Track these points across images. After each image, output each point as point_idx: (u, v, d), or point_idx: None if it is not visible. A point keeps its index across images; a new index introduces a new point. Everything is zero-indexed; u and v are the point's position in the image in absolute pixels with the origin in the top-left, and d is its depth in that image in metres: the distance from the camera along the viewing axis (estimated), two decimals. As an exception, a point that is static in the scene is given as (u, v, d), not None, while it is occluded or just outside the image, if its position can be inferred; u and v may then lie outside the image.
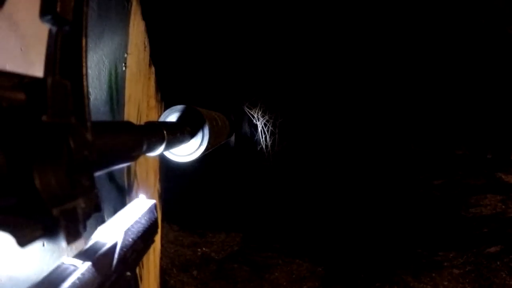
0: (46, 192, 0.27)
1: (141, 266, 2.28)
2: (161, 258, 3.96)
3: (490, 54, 7.01)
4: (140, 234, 0.54)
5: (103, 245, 0.45)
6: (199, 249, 4.65)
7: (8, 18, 0.66)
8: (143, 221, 0.56)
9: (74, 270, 0.39)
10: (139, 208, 0.58)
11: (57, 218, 0.28)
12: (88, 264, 0.40)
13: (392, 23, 6.70)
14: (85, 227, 0.30)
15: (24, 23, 0.70)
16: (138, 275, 2.14)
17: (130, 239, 0.51)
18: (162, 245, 4.23)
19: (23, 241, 0.26)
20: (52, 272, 0.37)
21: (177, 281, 3.91)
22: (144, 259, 2.53)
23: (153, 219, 0.60)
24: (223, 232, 5.13)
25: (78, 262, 0.40)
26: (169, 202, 4.62)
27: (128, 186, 1.84)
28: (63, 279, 0.37)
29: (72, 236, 0.29)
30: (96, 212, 0.31)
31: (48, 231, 0.28)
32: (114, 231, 0.48)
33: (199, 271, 4.13)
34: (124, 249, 0.48)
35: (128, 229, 0.51)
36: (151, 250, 2.97)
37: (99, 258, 0.42)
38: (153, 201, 0.61)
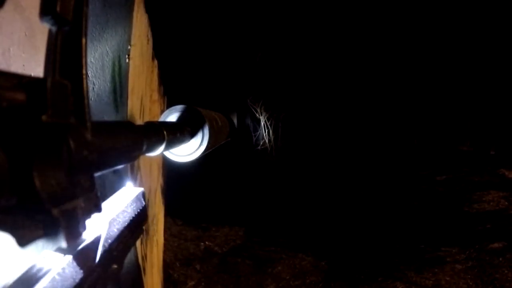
0: (46, 192, 0.27)
1: (144, 259, 2.30)
2: (164, 252, 3.98)
3: (495, 51, 6.93)
4: (126, 224, 0.52)
5: (86, 237, 0.43)
6: (202, 243, 4.67)
7: (15, 2, 0.66)
8: (129, 210, 0.54)
9: (54, 265, 0.37)
10: (125, 197, 0.56)
11: (57, 218, 0.28)
12: (69, 257, 0.38)
13: (396, 18, 6.63)
14: (85, 227, 0.30)
15: (30, 8, 0.70)
16: (142, 268, 2.16)
17: (116, 230, 0.49)
18: (165, 239, 4.26)
19: (23, 241, 0.26)
20: (31, 268, 0.36)
21: (180, 274, 3.93)
22: (148, 252, 2.55)
23: (141, 208, 0.57)
24: (226, 226, 5.15)
25: (58, 256, 0.38)
26: (172, 196, 4.64)
27: (131, 180, 1.85)
28: (42, 275, 0.36)
29: (72, 236, 0.29)
30: (96, 212, 0.31)
31: (48, 231, 0.28)
32: (97, 222, 0.45)
33: (202, 265, 4.15)
34: (109, 241, 0.46)
35: (114, 219, 0.49)
36: (154, 243, 2.99)
37: (81, 251, 0.40)
38: (140, 189, 0.59)
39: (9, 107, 0.26)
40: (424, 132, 8.65)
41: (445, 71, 7.67)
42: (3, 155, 0.25)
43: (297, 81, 8.28)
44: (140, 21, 2.10)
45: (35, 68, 0.75)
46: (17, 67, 0.70)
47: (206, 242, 4.69)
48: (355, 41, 7.38)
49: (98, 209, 0.32)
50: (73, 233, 0.29)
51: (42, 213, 0.27)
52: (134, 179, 1.95)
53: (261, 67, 7.66)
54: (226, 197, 6.23)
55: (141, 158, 2.16)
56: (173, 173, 4.65)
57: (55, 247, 0.28)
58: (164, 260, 3.89)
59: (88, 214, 0.31)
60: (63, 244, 0.28)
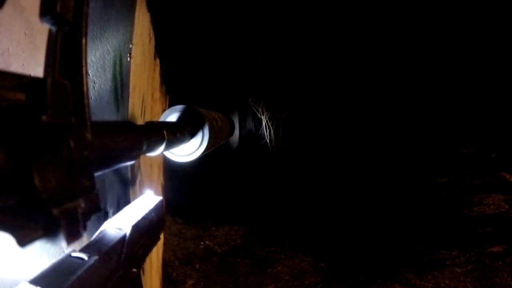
0: (46, 192, 0.27)
1: (143, 258, 2.29)
2: (163, 251, 3.99)
3: (497, 53, 6.92)
4: (147, 230, 0.53)
5: (111, 239, 0.44)
6: (202, 242, 4.67)
7: (14, 2, 0.66)
8: (150, 217, 0.55)
9: (82, 263, 0.38)
10: (146, 203, 0.57)
11: (57, 218, 0.28)
12: (95, 257, 0.39)
13: (398, 19, 6.63)
14: (85, 227, 0.30)
15: (30, 8, 0.70)
16: (142, 268, 2.16)
17: (138, 235, 0.50)
18: (165, 238, 4.26)
19: (23, 241, 0.26)
20: (58, 264, 0.37)
21: (179, 273, 3.94)
22: (147, 251, 2.54)
23: (160, 216, 0.59)
24: (226, 225, 5.15)
25: (84, 255, 0.39)
26: (173, 195, 4.64)
27: (131, 178, 1.85)
28: (69, 272, 0.36)
29: (73, 236, 0.29)
30: (96, 212, 0.31)
31: (48, 231, 0.28)
32: (121, 225, 0.47)
33: (201, 264, 4.16)
34: (132, 245, 0.47)
35: (136, 224, 0.50)
36: (154, 242, 2.99)
37: (106, 252, 0.42)
38: (160, 198, 0.61)
39: (9, 107, 0.26)
40: (425, 134, 8.64)
41: (446, 73, 7.66)
42: (3, 155, 0.25)
43: (298, 81, 8.28)
44: (142, 19, 2.10)
45: (35, 67, 0.75)
46: (16, 66, 0.70)
47: (206, 242, 4.70)
48: (356, 42, 7.38)
49: (98, 209, 0.32)
50: (74, 233, 0.29)
51: (42, 213, 0.27)
52: (135, 178, 1.95)
53: (263, 66, 7.66)
54: (227, 197, 6.24)
55: (142, 157, 2.16)
56: (173, 172, 4.66)
57: (55, 247, 0.28)
58: (164, 259, 3.89)
59: (88, 214, 0.31)
60: (63, 244, 0.28)
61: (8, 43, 0.66)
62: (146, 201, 0.59)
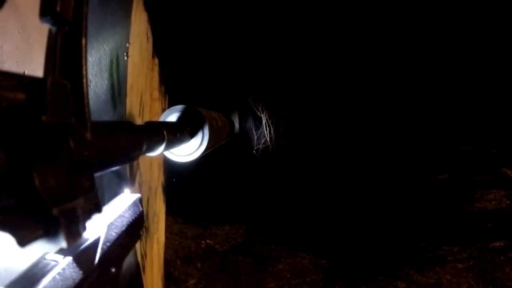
0: (46, 192, 0.27)
1: (144, 257, 2.30)
2: (165, 250, 3.99)
3: (496, 50, 6.91)
4: (124, 228, 0.53)
5: (85, 239, 0.43)
6: (203, 241, 4.68)
7: (9, 0, 0.66)
8: (127, 215, 0.55)
9: (55, 266, 0.38)
10: (123, 202, 0.56)
11: (57, 218, 0.28)
12: (69, 259, 0.39)
13: (398, 18, 6.62)
14: (85, 227, 0.30)
15: (24, 6, 0.70)
16: (141, 266, 2.16)
17: (114, 234, 0.49)
18: (166, 237, 4.27)
19: (23, 241, 0.26)
20: (32, 267, 0.37)
21: (181, 272, 3.94)
22: (147, 250, 2.55)
23: (138, 213, 0.58)
24: (227, 224, 5.16)
25: (59, 257, 0.39)
26: (173, 194, 4.64)
27: (130, 177, 1.85)
28: (43, 275, 0.36)
29: (72, 236, 0.29)
30: (96, 213, 0.31)
31: (48, 231, 0.28)
32: (96, 225, 0.46)
33: (202, 263, 4.16)
34: (108, 244, 0.46)
35: (112, 223, 0.49)
36: (155, 241, 3.00)
37: (81, 253, 0.41)
38: (137, 195, 0.60)
39: (9, 107, 0.26)
40: (426, 130, 8.63)
41: (447, 70, 7.65)
42: (3, 155, 0.25)
43: (298, 80, 8.27)
44: (139, 19, 2.10)
45: (29, 64, 0.75)
46: (10, 63, 0.70)
47: (207, 241, 4.70)
48: (357, 40, 7.37)
49: (98, 209, 0.32)
50: (73, 233, 0.29)
51: (42, 213, 0.27)
52: (134, 178, 1.95)
53: (262, 65, 7.65)
54: (227, 196, 6.24)
55: (141, 156, 2.15)
56: (173, 171, 4.66)
57: (55, 247, 0.28)
58: (165, 258, 3.90)
59: (88, 214, 0.31)
60: (63, 244, 0.28)
61: (2, 41, 0.66)
62: (123, 200, 0.59)
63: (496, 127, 7.79)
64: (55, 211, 0.28)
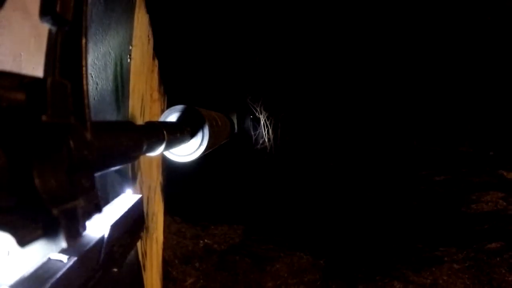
0: (46, 192, 0.27)
1: (144, 256, 2.30)
2: (163, 250, 3.99)
3: (494, 52, 6.93)
4: (126, 229, 0.53)
5: (90, 240, 0.44)
6: (201, 241, 4.68)
7: (23, 9, 0.67)
8: (129, 215, 0.55)
9: (61, 266, 0.38)
10: (125, 202, 0.56)
11: (57, 218, 0.28)
12: (74, 259, 0.39)
13: (396, 18, 6.63)
14: (85, 227, 0.30)
15: (37, 14, 0.71)
16: (142, 265, 2.16)
17: (117, 234, 0.50)
18: (164, 237, 4.26)
19: (23, 241, 0.26)
20: (39, 267, 0.37)
21: (179, 272, 3.94)
22: (147, 249, 2.55)
23: (140, 214, 0.59)
24: (225, 224, 5.15)
25: (64, 257, 0.39)
26: (172, 194, 4.64)
27: (132, 177, 1.85)
28: (50, 275, 0.36)
29: (72, 236, 0.29)
30: (96, 213, 0.31)
31: (48, 231, 0.28)
32: (100, 225, 0.46)
33: (201, 263, 4.16)
34: (111, 244, 0.47)
35: (115, 223, 0.50)
36: (154, 241, 2.99)
37: (86, 253, 0.41)
38: (139, 196, 0.60)
39: (9, 107, 0.26)
40: (423, 132, 8.65)
41: (444, 72, 7.66)
42: (3, 155, 0.25)
43: (296, 81, 8.28)
44: (141, 21, 2.10)
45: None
46: (28, 70, 0.72)
47: (205, 240, 4.70)
48: (354, 41, 7.38)
49: (98, 209, 0.32)
50: (73, 233, 0.29)
51: (42, 213, 0.27)
52: (134, 178, 1.95)
53: (261, 66, 7.66)
54: (225, 196, 6.24)
55: (142, 156, 2.15)
56: (172, 171, 4.65)
57: (55, 247, 0.28)
58: (164, 258, 3.89)
59: (88, 214, 0.31)
60: (63, 244, 0.28)
61: (20, 49, 0.68)
62: (125, 200, 0.59)
63: (493, 129, 7.81)
64: (55, 211, 0.28)
